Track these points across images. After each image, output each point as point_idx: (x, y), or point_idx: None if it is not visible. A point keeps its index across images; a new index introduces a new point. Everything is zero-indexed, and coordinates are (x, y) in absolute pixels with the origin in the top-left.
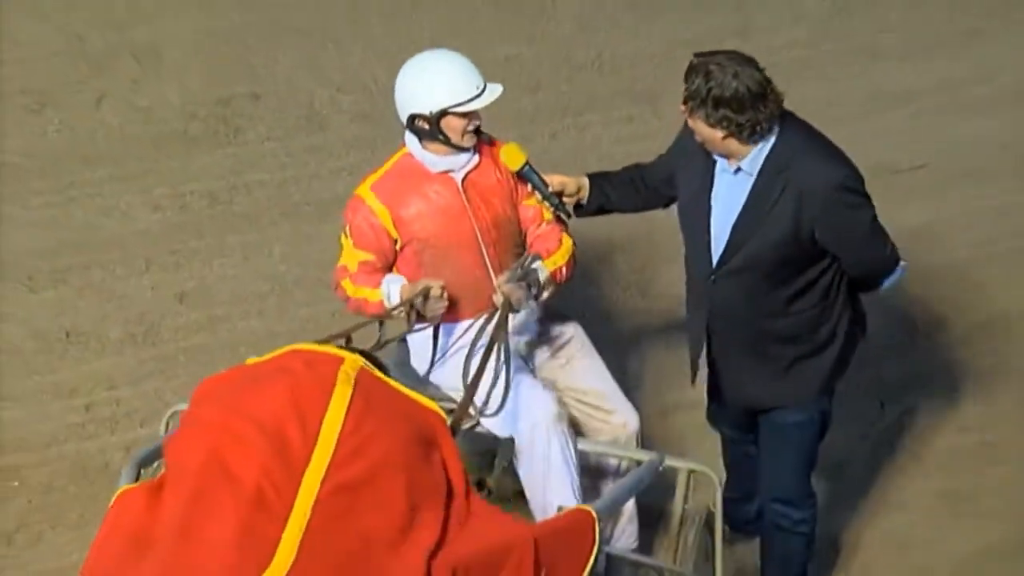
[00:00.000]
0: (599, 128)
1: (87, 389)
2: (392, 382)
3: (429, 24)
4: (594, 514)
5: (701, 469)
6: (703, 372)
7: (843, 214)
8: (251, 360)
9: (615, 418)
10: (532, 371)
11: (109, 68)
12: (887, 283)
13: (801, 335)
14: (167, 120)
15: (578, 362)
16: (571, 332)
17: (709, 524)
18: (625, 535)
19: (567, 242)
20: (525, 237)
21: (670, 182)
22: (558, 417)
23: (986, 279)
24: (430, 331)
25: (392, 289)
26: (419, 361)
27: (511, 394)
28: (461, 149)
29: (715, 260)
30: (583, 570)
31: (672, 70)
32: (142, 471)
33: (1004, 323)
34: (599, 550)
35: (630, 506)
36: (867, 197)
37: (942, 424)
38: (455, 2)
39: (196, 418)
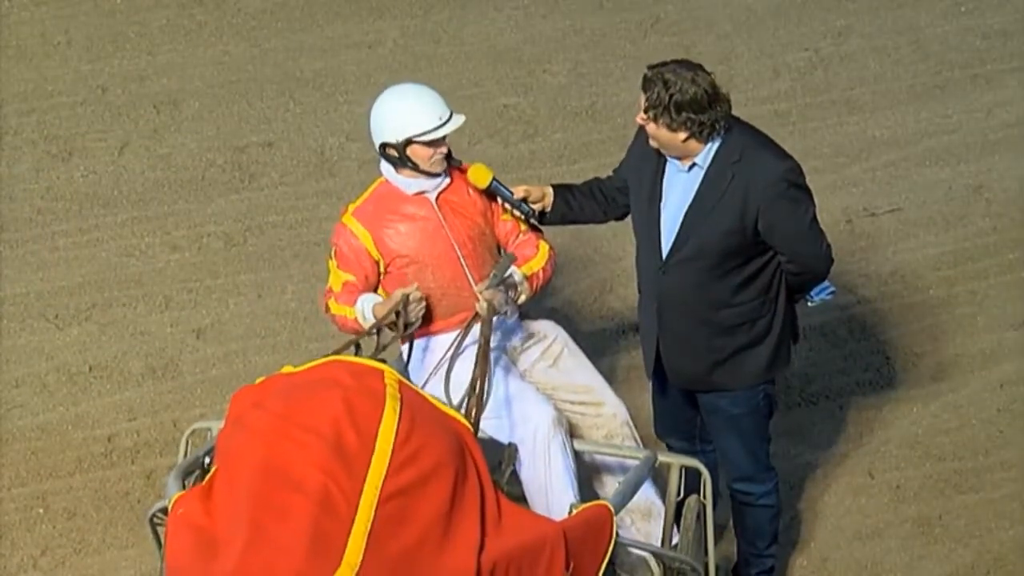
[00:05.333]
0: (592, 174)
1: (109, 420)
2: (425, 394)
3: (432, 75)
4: (611, 508)
5: (692, 464)
6: (648, 388)
7: (785, 207)
8: (287, 368)
9: (605, 409)
10: (521, 375)
11: (131, 118)
12: (817, 296)
13: (742, 326)
14: (186, 166)
15: (564, 361)
16: (554, 333)
17: (700, 515)
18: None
19: (544, 248)
20: (503, 251)
21: (625, 190)
22: (557, 421)
23: (957, 316)
24: (423, 345)
25: (365, 307)
26: (416, 375)
27: (511, 401)
28: (430, 174)
29: (665, 252)
30: (602, 560)
31: None
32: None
33: (975, 359)
34: (615, 542)
35: (658, 505)
36: (809, 193)
37: (916, 453)
38: (456, 55)
39: (244, 425)
